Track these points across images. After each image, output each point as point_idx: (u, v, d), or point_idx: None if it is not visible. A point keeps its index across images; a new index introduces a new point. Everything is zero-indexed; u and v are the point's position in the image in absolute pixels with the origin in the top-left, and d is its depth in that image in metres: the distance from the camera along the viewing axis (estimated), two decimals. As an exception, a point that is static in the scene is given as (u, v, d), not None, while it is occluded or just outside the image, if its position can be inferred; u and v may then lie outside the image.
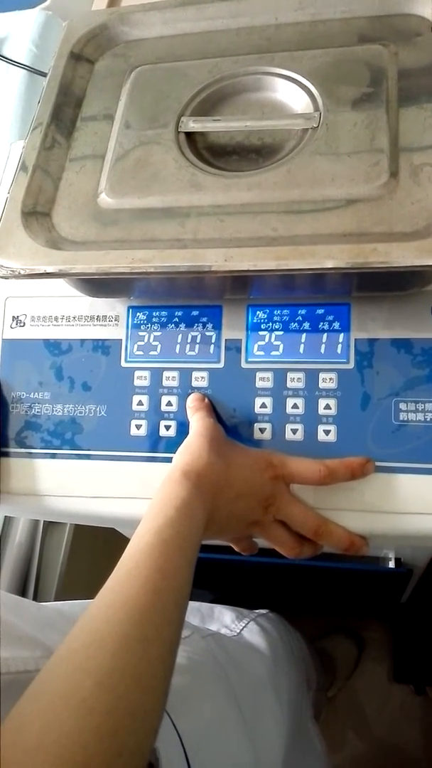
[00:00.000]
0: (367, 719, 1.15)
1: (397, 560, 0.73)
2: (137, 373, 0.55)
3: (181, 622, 0.39)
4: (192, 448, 0.48)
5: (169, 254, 0.45)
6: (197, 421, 0.51)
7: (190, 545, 0.42)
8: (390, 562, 0.74)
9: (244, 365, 0.53)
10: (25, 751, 0.29)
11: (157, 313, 0.56)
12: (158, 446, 0.54)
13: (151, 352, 0.55)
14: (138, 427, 0.54)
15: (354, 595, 0.96)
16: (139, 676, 0.33)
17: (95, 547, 0.97)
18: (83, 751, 0.29)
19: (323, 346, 0.52)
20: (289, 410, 0.52)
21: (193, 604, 0.71)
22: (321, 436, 0.51)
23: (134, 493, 0.53)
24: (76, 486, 0.54)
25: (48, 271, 0.47)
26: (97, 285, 0.53)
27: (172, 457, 0.53)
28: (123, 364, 0.56)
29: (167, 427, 0.54)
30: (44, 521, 0.84)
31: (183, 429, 0.53)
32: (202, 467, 0.46)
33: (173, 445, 0.53)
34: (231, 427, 0.53)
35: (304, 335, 0.53)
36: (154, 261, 0.45)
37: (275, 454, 0.49)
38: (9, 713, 0.31)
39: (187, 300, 0.55)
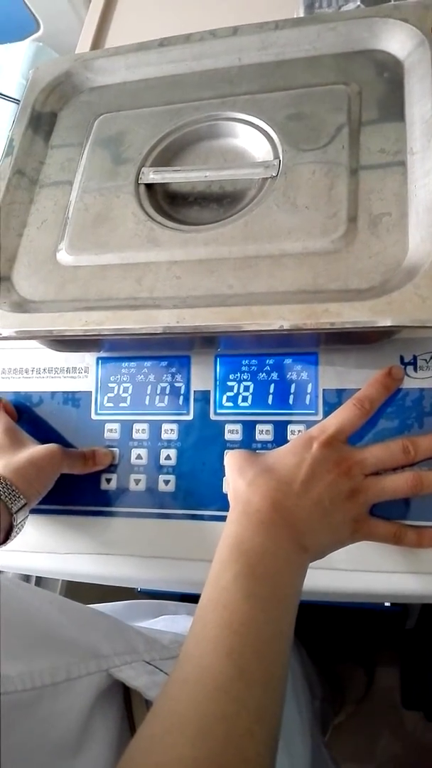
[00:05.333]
0: (378, 745, 1.13)
1: (391, 599, 0.72)
2: (108, 426, 0.55)
3: (277, 683, 0.34)
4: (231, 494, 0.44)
5: (122, 316, 0.44)
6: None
7: (271, 587, 0.37)
8: (385, 602, 0.73)
9: (213, 417, 0.52)
10: None
11: (126, 365, 0.55)
12: (129, 501, 0.53)
13: (121, 404, 0.55)
14: (108, 480, 0.54)
15: (358, 627, 0.94)
16: (225, 765, 0.30)
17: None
18: None
19: (292, 396, 0.51)
20: (257, 464, 0.50)
21: None
22: (290, 491, 0.49)
23: (107, 550, 0.53)
24: (48, 543, 0.54)
25: (3, 335, 0.46)
26: (62, 343, 0.53)
27: (143, 512, 0.53)
28: (93, 416, 0.55)
29: (137, 482, 0.53)
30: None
31: (152, 483, 0.52)
32: (248, 495, 0.41)
33: (143, 499, 0.52)
34: (200, 480, 0.52)
35: (272, 386, 0.51)
36: (107, 323, 0.44)
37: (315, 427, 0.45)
38: None
39: (156, 351, 0.55)
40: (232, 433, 0.52)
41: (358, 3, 0.66)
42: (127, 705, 0.44)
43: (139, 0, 0.82)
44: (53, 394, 0.56)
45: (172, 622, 0.64)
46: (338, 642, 1.15)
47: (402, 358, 0.49)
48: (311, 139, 0.49)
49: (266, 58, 0.55)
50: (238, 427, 0.52)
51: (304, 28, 0.54)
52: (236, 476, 0.43)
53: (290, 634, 0.37)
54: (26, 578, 0.74)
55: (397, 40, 0.52)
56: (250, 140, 0.52)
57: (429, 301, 0.39)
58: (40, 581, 0.77)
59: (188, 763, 0.30)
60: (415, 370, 0.49)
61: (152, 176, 0.51)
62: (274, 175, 0.48)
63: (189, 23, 0.61)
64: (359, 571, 0.47)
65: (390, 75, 0.51)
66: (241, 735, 0.31)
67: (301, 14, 0.70)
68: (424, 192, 0.43)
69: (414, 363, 0.49)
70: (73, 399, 0.56)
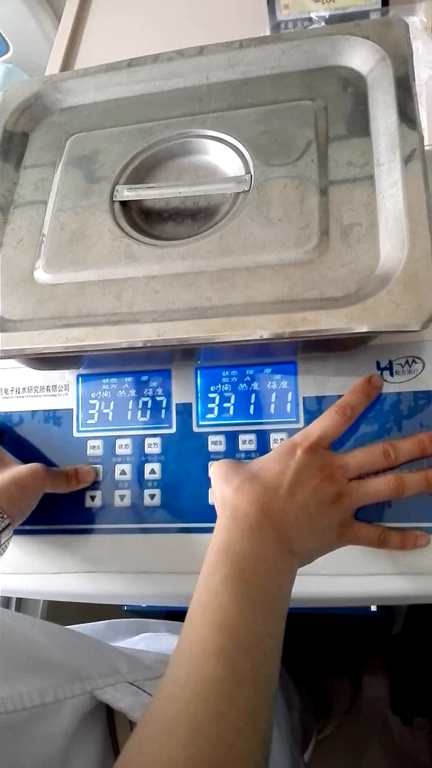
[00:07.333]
0: (365, 758, 1.12)
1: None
2: (90, 443, 0.55)
3: (267, 683, 0.34)
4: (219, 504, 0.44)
5: (103, 331, 0.45)
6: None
7: (260, 589, 0.37)
8: (372, 606, 0.73)
9: (195, 429, 0.53)
10: None
11: (107, 380, 0.55)
12: (114, 517, 0.53)
13: (103, 420, 0.55)
14: (93, 498, 0.54)
15: (343, 635, 0.94)
16: (218, 763, 0.30)
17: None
18: None
19: (272, 405, 0.52)
20: (241, 474, 0.51)
21: None
22: (275, 499, 0.50)
23: (94, 568, 0.52)
24: (33, 563, 0.53)
25: (-17, 355, 0.46)
26: (41, 361, 0.53)
27: (129, 528, 0.53)
28: (75, 434, 0.55)
29: (122, 497, 0.53)
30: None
31: (137, 498, 0.52)
32: (235, 501, 0.42)
33: (129, 515, 0.52)
34: (185, 492, 0.52)
35: (253, 396, 0.52)
36: (88, 339, 0.45)
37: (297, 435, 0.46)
38: None
39: (136, 366, 0.55)
40: (216, 444, 0.52)
41: (323, 23, 0.67)
42: (111, 726, 0.44)
43: (106, 22, 0.83)
44: (34, 413, 0.56)
45: (153, 641, 0.63)
46: (322, 652, 1.15)
47: (378, 364, 0.50)
48: (281, 154, 0.50)
49: (234, 75, 0.56)
50: (221, 438, 0.52)
51: (269, 47, 0.55)
52: (222, 484, 0.44)
53: (280, 637, 0.37)
54: (7, 600, 0.74)
55: (359, 57, 0.53)
56: (222, 156, 0.53)
57: (403, 306, 0.40)
58: (20, 602, 0.76)
59: (180, 763, 0.30)
60: (391, 374, 0.50)
61: (126, 193, 0.52)
62: (246, 189, 0.49)
63: (156, 44, 0.62)
64: (344, 575, 0.48)
65: (354, 90, 0.53)
66: (233, 734, 0.31)
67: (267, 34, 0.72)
68: (392, 202, 0.45)
69: (390, 368, 0.50)
70: (55, 417, 0.56)
